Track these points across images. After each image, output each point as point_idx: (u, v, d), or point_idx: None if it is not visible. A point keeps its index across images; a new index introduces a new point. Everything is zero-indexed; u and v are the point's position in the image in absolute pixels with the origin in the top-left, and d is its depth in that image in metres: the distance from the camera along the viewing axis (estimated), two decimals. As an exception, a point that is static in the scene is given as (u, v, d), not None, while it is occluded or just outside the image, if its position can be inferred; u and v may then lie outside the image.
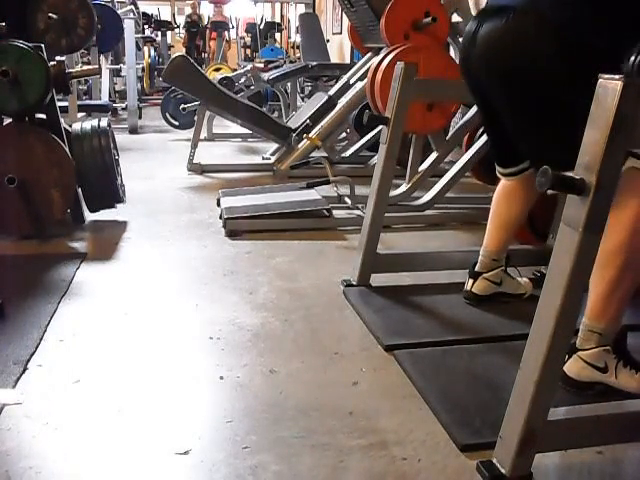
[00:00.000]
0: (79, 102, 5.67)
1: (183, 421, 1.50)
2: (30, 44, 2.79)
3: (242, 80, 6.50)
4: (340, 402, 1.59)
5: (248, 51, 12.60)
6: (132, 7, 8.06)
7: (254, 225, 3.07)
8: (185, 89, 4.90)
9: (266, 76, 6.14)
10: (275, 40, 11.87)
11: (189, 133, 5.22)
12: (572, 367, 1.60)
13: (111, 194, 3.04)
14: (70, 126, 3.05)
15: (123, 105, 6.96)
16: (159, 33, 11.65)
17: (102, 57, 6.67)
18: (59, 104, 3.01)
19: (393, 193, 3.25)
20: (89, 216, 3.14)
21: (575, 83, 1.16)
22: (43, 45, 2.89)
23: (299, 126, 4.56)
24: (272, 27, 11.83)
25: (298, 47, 10.63)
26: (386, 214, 2.35)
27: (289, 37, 13.14)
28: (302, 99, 8.07)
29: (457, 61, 3.93)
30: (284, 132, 4.63)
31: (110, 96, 7.13)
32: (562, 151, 1.21)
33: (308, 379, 1.70)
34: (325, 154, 4.48)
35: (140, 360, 1.80)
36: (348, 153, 4.89)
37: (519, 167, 1.98)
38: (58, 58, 2.97)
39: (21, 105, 2.77)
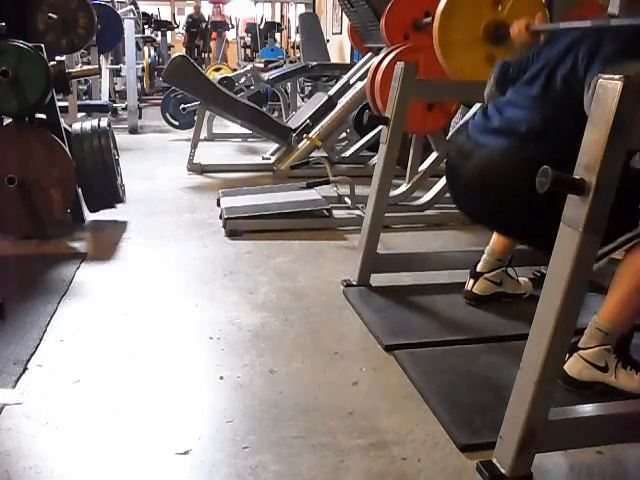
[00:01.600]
0: (79, 102, 5.67)
1: (183, 421, 1.50)
2: (30, 44, 2.79)
3: (242, 80, 6.49)
4: (340, 402, 1.59)
5: (248, 51, 12.60)
6: (132, 7, 8.05)
7: (254, 225, 3.07)
8: (185, 89, 4.90)
9: (266, 76, 6.14)
10: (275, 40, 11.86)
11: (189, 133, 5.22)
12: (573, 366, 1.61)
13: (111, 194, 3.04)
14: (70, 126, 3.05)
15: (123, 105, 6.96)
16: (159, 33, 11.65)
17: (102, 57, 6.67)
18: (59, 104, 3.01)
19: (393, 193, 3.26)
20: (89, 216, 3.14)
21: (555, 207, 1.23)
22: (43, 45, 2.89)
23: (299, 126, 4.57)
24: (272, 27, 11.82)
25: (298, 47, 10.62)
26: (386, 214, 2.35)
27: (289, 37, 13.13)
28: (302, 99, 8.08)
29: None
30: (284, 132, 4.63)
31: (110, 96, 7.13)
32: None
33: (308, 379, 1.70)
34: (325, 154, 4.48)
35: (140, 360, 1.80)
36: (348, 153, 4.89)
37: None
38: (58, 58, 2.97)
39: (21, 105, 2.77)
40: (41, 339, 1.88)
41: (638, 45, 1.55)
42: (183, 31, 12.90)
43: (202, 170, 4.54)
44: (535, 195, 1.47)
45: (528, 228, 1.70)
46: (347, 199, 3.36)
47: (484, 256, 2.16)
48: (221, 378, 1.69)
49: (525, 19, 2.10)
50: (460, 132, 2.13)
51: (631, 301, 1.55)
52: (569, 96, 1.57)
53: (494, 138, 1.70)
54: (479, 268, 2.16)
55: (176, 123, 6.28)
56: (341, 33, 9.96)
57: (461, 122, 3.51)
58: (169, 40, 12.85)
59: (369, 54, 4.66)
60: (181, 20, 13.41)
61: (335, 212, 3.24)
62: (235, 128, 5.61)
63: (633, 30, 1.59)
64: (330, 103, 4.58)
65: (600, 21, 1.72)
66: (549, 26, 2.10)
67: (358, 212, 3.22)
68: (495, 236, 2.16)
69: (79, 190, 2.99)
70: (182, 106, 5.75)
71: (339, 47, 10.45)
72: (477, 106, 3.30)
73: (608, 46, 1.57)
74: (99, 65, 6.33)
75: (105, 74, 6.83)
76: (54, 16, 3.98)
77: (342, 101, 4.53)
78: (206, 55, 12.97)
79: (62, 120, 3.01)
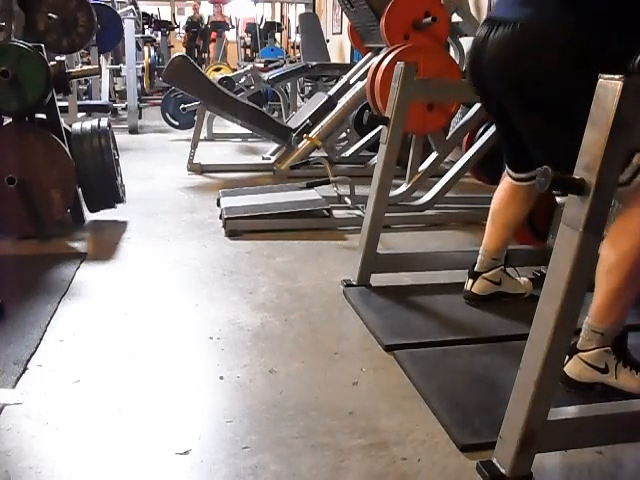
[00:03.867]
0: (79, 102, 5.67)
1: (183, 421, 1.50)
2: (30, 44, 2.79)
3: (242, 80, 6.49)
4: (340, 402, 1.59)
5: (248, 51, 12.60)
6: (132, 7, 8.05)
7: (254, 225, 3.07)
8: (185, 89, 4.90)
9: (266, 76, 6.14)
10: (275, 40, 11.86)
11: (189, 133, 5.22)
12: (572, 368, 1.61)
13: (111, 194, 3.04)
14: (70, 126, 3.05)
15: (123, 105, 6.96)
16: (159, 33, 11.64)
17: (102, 57, 6.67)
18: (59, 104, 3.01)
19: (393, 193, 3.26)
20: (89, 216, 3.14)
21: (582, 88, 1.17)
22: (43, 45, 2.89)
23: (299, 126, 4.57)
24: (272, 27, 11.82)
25: (298, 47, 10.62)
26: (386, 214, 2.35)
27: (289, 37, 13.13)
28: (302, 99, 8.08)
29: (457, 61, 3.95)
30: (284, 132, 4.63)
31: (110, 96, 7.13)
32: (573, 157, 1.22)
33: (308, 379, 1.70)
34: (325, 154, 4.48)
35: (140, 360, 1.80)
36: (348, 153, 4.89)
37: (531, 174, 1.95)
38: (58, 58, 2.97)
39: (21, 105, 2.77)
40: (41, 339, 1.88)
41: None
42: (183, 31, 12.89)
43: (202, 170, 4.54)
44: (569, 67, 1.43)
45: (548, 117, 1.63)
46: (347, 199, 3.36)
47: (479, 256, 2.16)
48: (221, 378, 1.69)
49: None
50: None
51: (617, 297, 1.54)
52: None
53: (522, 9, 1.65)
54: (477, 268, 2.16)
55: (176, 123, 6.28)
56: (341, 33, 9.96)
57: (461, 122, 3.49)
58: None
59: (369, 54, 4.67)
60: (181, 20, 13.40)
61: (335, 212, 3.24)
62: (235, 128, 5.62)
63: None
64: (330, 103, 4.58)
65: None
66: None
67: (358, 212, 3.22)
68: (487, 235, 2.16)
69: (79, 190, 2.99)
70: (182, 106, 5.75)
71: (339, 47, 10.45)
72: (477, 106, 3.31)
73: None
74: (99, 65, 6.33)
75: (105, 74, 6.83)
76: (54, 16, 3.98)
77: (342, 101, 4.53)
78: (206, 55, 12.97)
79: (62, 120, 3.01)
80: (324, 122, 4.48)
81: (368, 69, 3.99)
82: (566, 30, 1.40)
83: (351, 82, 4.70)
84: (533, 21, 1.62)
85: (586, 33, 1.48)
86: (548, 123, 1.67)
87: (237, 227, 3.04)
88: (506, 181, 2.09)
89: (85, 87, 7.92)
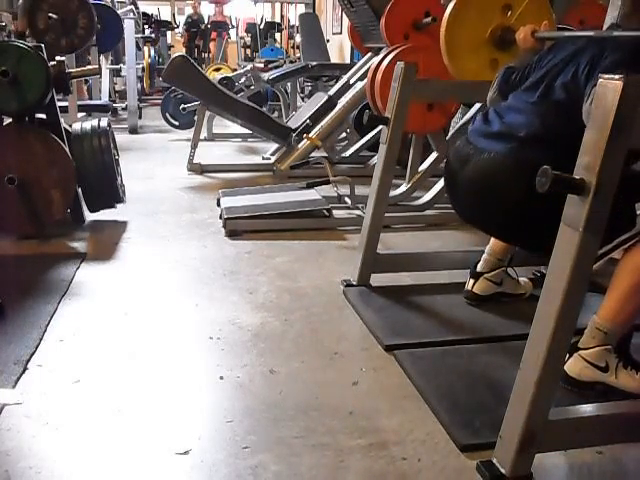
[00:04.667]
0: (79, 102, 5.67)
1: (183, 421, 1.50)
2: (30, 44, 2.79)
3: (242, 80, 6.49)
4: (340, 402, 1.59)
5: (248, 51, 12.60)
6: (132, 7, 8.04)
7: (254, 225, 3.07)
8: (185, 89, 4.90)
9: (266, 76, 6.14)
10: (275, 40, 11.86)
11: (189, 133, 5.22)
12: (573, 366, 1.61)
13: (111, 194, 3.04)
14: (70, 126, 3.05)
15: (123, 105, 6.96)
16: (159, 33, 11.65)
17: (102, 57, 6.66)
18: (59, 104, 3.01)
19: (393, 193, 3.26)
20: (89, 216, 3.14)
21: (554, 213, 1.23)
22: (43, 45, 2.89)
23: (299, 126, 4.57)
24: (272, 27, 11.82)
25: (298, 47, 10.62)
26: (386, 214, 2.35)
27: (290, 37, 13.12)
28: (302, 99, 8.08)
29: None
30: (284, 132, 4.63)
31: (110, 96, 7.13)
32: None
33: (308, 379, 1.70)
34: (325, 154, 4.48)
35: (140, 360, 1.80)
36: (348, 153, 4.89)
37: None
38: (58, 58, 2.97)
39: (21, 105, 2.77)
40: (41, 339, 1.88)
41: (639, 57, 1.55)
42: (183, 31, 12.88)
43: (202, 170, 4.54)
44: (534, 200, 1.48)
45: (527, 233, 1.71)
46: (347, 199, 3.36)
47: (484, 256, 2.16)
48: (221, 378, 1.69)
49: (531, 25, 2.10)
50: (459, 136, 2.16)
51: (630, 300, 1.55)
52: (568, 104, 1.58)
53: (494, 142, 1.70)
54: (479, 268, 2.16)
55: (176, 123, 6.27)
56: (341, 33, 9.96)
57: (461, 122, 3.50)
58: (169, 40, 12.84)
59: (369, 54, 4.66)
60: (181, 20, 13.40)
61: (335, 212, 3.24)
62: (235, 128, 5.62)
63: (636, 42, 1.60)
64: (330, 103, 4.58)
65: (603, 31, 1.72)
66: (554, 33, 2.10)
67: (358, 212, 3.22)
68: None
69: (79, 190, 2.99)
70: (182, 106, 5.74)
71: (339, 47, 10.46)
72: (477, 106, 3.31)
73: (610, 57, 1.57)
74: (99, 65, 6.32)
75: (105, 74, 6.83)
76: (54, 16, 3.99)
77: (342, 101, 4.53)
78: (206, 55, 12.96)
79: (62, 120, 3.01)
80: (324, 122, 4.48)
81: (368, 69, 3.99)
82: (534, 165, 1.42)
83: (351, 82, 4.70)
84: (504, 154, 1.66)
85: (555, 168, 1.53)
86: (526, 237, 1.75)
87: (237, 227, 3.04)
88: None
89: (85, 87, 7.92)
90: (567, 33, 1.90)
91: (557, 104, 1.65)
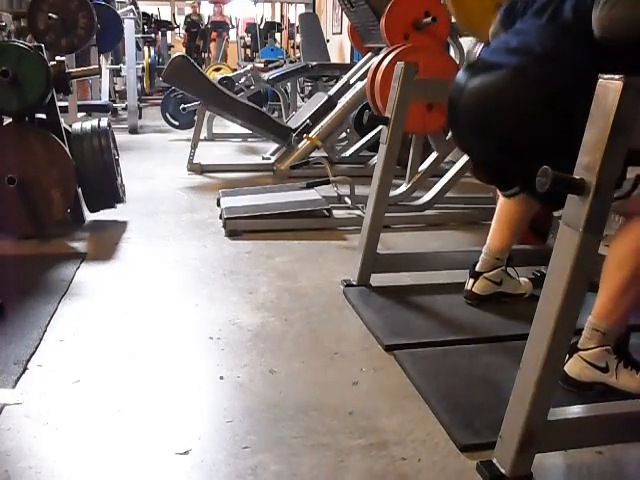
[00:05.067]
0: (79, 102, 5.67)
1: (183, 421, 1.50)
2: (30, 44, 2.79)
3: (242, 80, 6.50)
4: (340, 402, 1.59)
5: (248, 51, 12.60)
6: (132, 7, 8.05)
7: (254, 225, 3.07)
8: (185, 89, 4.90)
9: (266, 76, 6.14)
10: (275, 40, 11.86)
11: (189, 133, 5.22)
12: (573, 367, 1.61)
13: (111, 194, 3.04)
14: (70, 126, 3.05)
15: (123, 105, 6.96)
16: (159, 33, 11.65)
17: (102, 57, 6.66)
18: (59, 104, 3.01)
19: (393, 193, 3.26)
20: (89, 216, 3.14)
21: (565, 138, 1.18)
22: (43, 45, 2.89)
23: (299, 126, 4.56)
24: (272, 27, 11.82)
25: (298, 47, 10.62)
26: (386, 214, 2.35)
27: (290, 37, 13.13)
28: (302, 99, 8.08)
29: (457, 61, 3.94)
30: (284, 132, 4.63)
31: (110, 96, 7.13)
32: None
33: (308, 379, 1.70)
34: (325, 154, 4.48)
35: (140, 360, 1.80)
36: (348, 153, 4.89)
37: (514, 190, 1.99)
38: (58, 58, 2.98)
39: (21, 105, 2.77)
40: (41, 339, 1.88)
41: None
42: (183, 31, 12.89)
43: (202, 170, 4.54)
44: (545, 118, 1.44)
45: (529, 157, 1.60)
46: (347, 199, 3.36)
47: (482, 255, 2.16)
48: (221, 378, 1.69)
49: None
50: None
51: (622, 297, 1.54)
52: (578, 25, 1.54)
53: (508, 56, 1.65)
54: (478, 268, 2.16)
55: (176, 123, 6.28)
56: (341, 33, 9.96)
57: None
58: (169, 40, 12.84)
59: (369, 54, 4.66)
60: (181, 20, 13.40)
61: (335, 212, 3.24)
62: (235, 128, 5.62)
63: None
64: (330, 103, 4.58)
65: None
66: None
67: (358, 212, 3.22)
68: (491, 234, 2.16)
69: (79, 190, 2.99)
70: (182, 106, 5.75)
71: (339, 47, 10.46)
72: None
73: None
74: (99, 65, 6.32)
75: (105, 74, 6.83)
76: (54, 16, 3.99)
77: (342, 101, 4.53)
78: (206, 55, 12.97)
79: (62, 120, 3.01)
80: (324, 122, 4.47)
81: (368, 69, 3.99)
82: (551, 84, 1.40)
83: (351, 82, 4.70)
84: (519, 68, 1.62)
85: (570, 90, 1.48)
86: (530, 163, 1.69)
87: (237, 227, 3.04)
88: None
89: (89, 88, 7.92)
90: None
91: (566, 25, 1.60)
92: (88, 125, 3.01)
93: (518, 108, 1.62)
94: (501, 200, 2.14)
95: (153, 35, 10.03)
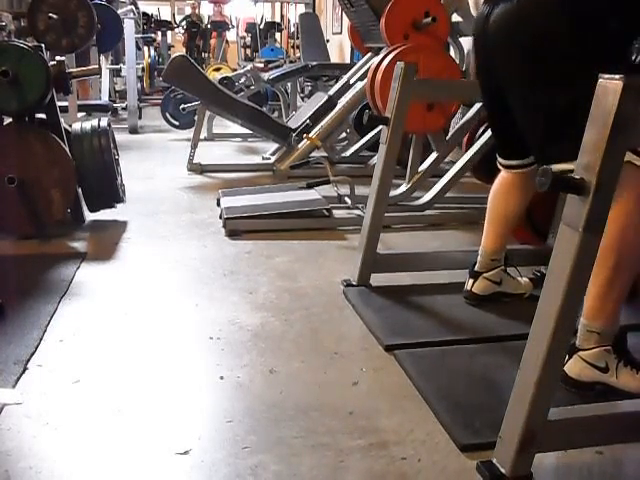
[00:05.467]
0: (79, 102, 5.67)
1: (183, 421, 1.50)
2: (30, 44, 2.79)
3: (242, 80, 6.49)
4: (340, 402, 1.59)
5: (248, 51, 12.60)
6: (132, 7, 8.04)
7: (254, 225, 3.07)
8: (185, 89, 4.90)
9: (266, 76, 6.14)
10: (275, 40, 11.86)
11: (189, 133, 5.22)
12: (573, 367, 1.60)
13: (111, 194, 3.04)
14: (70, 126, 3.05)
15: (123, 105, 6.96)
16: (159, 33, 11.65)
17: (102, 57, 6.66)
18: (59, 104, 3.01)
19: (393, 193, 3.25)
20: (89, 216, 3.14)
21: (586, 64, 1.20)
22: (43, 45, 2.89)
23: (299, 126, 4.57)
24: (272, 27, 11.82)
25: (298, 47, 10.62)
26: (386, 214, 2.35)
27: (290, 37, 13.12)
28: (302, 99, 8.07)
29: (457, 61, 3.95)
30: (284, 132, 4.63)
31: (110, 96, 7.13)
32: (569, 143, 1.23)
33: (308, 379, 1.70)
34: (325, 154, 4.48)
35: (140, 360, 1.80)
36: (348, 153, 4.89)
37: (523, 161, 1.96)
38: (58, 58, 2.98)
39: (21, 105, 2.77)
40: (41, 339, 1.88)
41: None
42: (182, 31, 12.88)
43: (202, 170, 4.54)
44: (575, 37, 1.47)
45: (556, 90, 1.64)
46: (347, 199, 3.36)
47: (478, 257, 2.16)
48: (221, 378, 1.69)
49: None
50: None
51: (608, 294, 1.54)
52: None
53: None
54: (478, 267, 2.16)
55: (176, 123, 6.27)
56: (341, 33, 9.95)
57: (461, 122, 3.50)
58: (169, 40, 12.84)
59: (369, 54, 4.66)
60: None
61: (335, 212, 3.24)
62: (235, 128, 5.61)
63: None
64: (330, 103, 4.58)
65: None
66: None
67: (358, 212, 3.22)
68: (485, 234, 2.15)
69: (79, 190, 2.99)
70: (182, 106, 5.75)
71: (339, 47, 10.45)
72: (478, 106, 3.31)
73: None
74: (99, 65, 6.32)
75: (105, 74, 6.83)
76: (54, 16, 3.99)
77: (342, 101, 4.53)
78: (206, 55, 12.97)
79: (62, 120, 3.01)
80: (324, 122, 4.47)
81: (368, 69, 3.99)
82: (567, 5, 1.43)
83: (351, 82, 4.70)
84: None
85: (586, 12, 1.51)
86: (549, 91, 1.67)
87: (237, 227, 3.04)
88: (500, 176, 2.09)
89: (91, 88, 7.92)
90: None
91: None
92: (88, 125, 3.01)
93: (544, 27, 1.63)
94: (490, 197, 2.13)
95: (153, 35, 10.03)
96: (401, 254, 2.60)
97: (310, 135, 4.41)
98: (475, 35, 1.93)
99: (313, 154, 4.44)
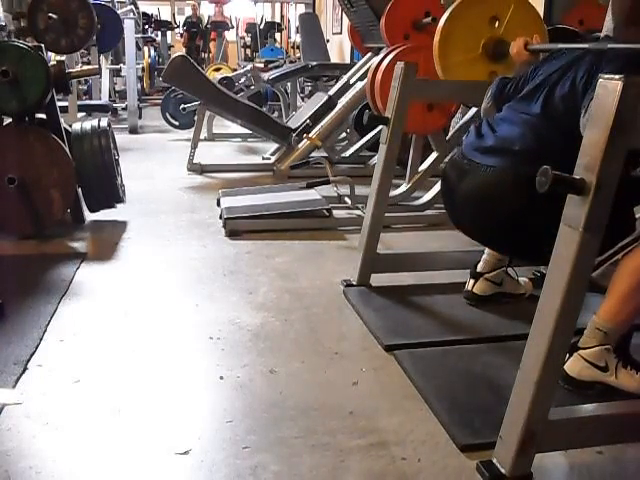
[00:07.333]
0: (79, 102, 5.67)
1: (183, 421, 1.50)
2: (30, 44, 2.79)
3: (242, 80, 6.49)
4: (340, 402, 1.59)
5: (248, 51, 12.59)
6: (132, 7, 8.05)
7: (254, 225, 3.07)
8: (185, 89, 4.90)
9: (266, 76, 6.14)
10: (275, 40, 11.86)
11: (189, 133, 5.22)
12: (573, 366, 1.61)
13: (111, 194, 3.04)
14: (70, 126, 3.05)
15: (123, 105, 6.96)
16: (159, 33, 11.65)
17: (102, 57, 6.67)
18: (59, 104, 3.01)
19: (393, 193, 3.26)
20: (89, 216, 3.14)
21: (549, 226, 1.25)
22: (43, 45, 2.89)
23: (299, 126, 4.57)
24: (272, 27, 11.82)
25: (298, 47, 10.62)
26: (386, 214, 2.35)
27: (289, 37, 13.12)
28: (302, 99, 8.07)
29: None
30: (284, 132, 4.63)
31: (110, 96, 7.13)
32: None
33: (308, 379, 1.70)
34: (325, 154, 4.48)
35: (140, 360, 1.80)
36: (348, 153, 4.89)
37: None
38: (58, 58, 2.97)
39: (21, 105, 2.77)
40: (41, 339, 1.88)
41: (636, 68, 1.54)
42: (182, 31, 12.88)
43: (202, 170, 4.54)
44: (532, 213, 1.51)
45: (524, 245, 1.71)
46: (347, 199, 3.36)
47: (484, 256, 2.16)
48: (221, 378, 1.69)
49: (524, 38, 2.12)
50: (460, 136, 2.17)
51: (629, 301, 1.56)
52: (566, 116, 1.58)
53: (488, 157, 1.70)
54: (479, 268, 2.16)
55: (176, 123, 6.28)
56: (341, 33, 9.94)
57: (461, 122, 3.50)
58: (169, 40, 12.84)
59: (369, 54, 4.67)
60: (181, 20, 13.40)
61: (335, 212, 3.24)
62: (235, 128, 5.62)
63: (632, 52, 1.60)
64: (330, 103, 4.58)
65: (597, 44, 1.72)
66: (548, 46, 2.10)
67: (358, 212, 3.22)
68: None
69: (79, 190, 2.99)
70: (182, 106, 5.75)
71: (339, 47, 10.44)
72: (474, 109, 3.30)
73: (608, 66, 1.56)
74: (99, 65, 6.33)
75: (105, 74, 6.83)
76: (54, 16, 3.99)
77: (342, 101, 4.53)
78: (206, 55, 12.96)
79: (62, 120, 3.01)
80: (324, 122, 4.48)
81: (368, 69, 3.99)
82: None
83: (351, 82, 4.70)
84: (502, 169, 1.66)
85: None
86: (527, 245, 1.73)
87: (237, 227, 3.04)
88: None
89: (85, 87, 7.92)
90: (561, 45, 1.90)
91: (554, 116, 1.65)
92: (88, 125, 3.01)
93: (505, 205, 1.67)
94: None
95: (153, 35, 10.03)
96: (401, 254, 2.60)
97: (310, 135, 4.41)
98: (444, 192, 1.95)
99: (313, 154, 4.45)
